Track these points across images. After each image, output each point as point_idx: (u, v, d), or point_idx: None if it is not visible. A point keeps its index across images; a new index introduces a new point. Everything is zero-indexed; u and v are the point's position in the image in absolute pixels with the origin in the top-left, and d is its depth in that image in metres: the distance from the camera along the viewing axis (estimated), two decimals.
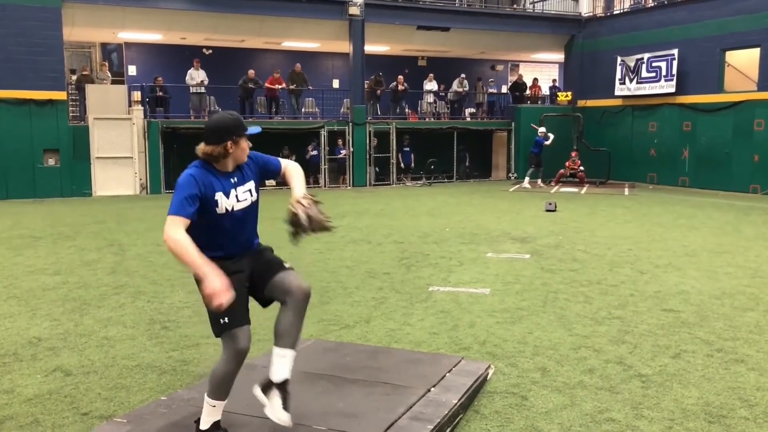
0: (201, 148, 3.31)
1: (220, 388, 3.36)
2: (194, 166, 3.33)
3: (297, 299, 3.36)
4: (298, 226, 3.32)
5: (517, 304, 6.66)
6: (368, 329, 5.86)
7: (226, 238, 3.37)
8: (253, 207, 3.47)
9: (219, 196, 3.30)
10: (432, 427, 3.62)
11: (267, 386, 3.42)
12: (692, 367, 4.89)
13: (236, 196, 3.37)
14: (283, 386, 3.38)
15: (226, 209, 3.33)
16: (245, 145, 3.37)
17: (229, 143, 3.28)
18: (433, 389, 4.16)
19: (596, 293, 7.11)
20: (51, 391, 4.44)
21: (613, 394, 4.40)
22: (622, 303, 6.71)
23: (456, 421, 3.90)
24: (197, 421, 3.43)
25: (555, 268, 8.35)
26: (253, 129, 3.43)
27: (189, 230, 3.18)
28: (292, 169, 3.60)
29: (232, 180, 3.37)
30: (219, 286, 3.07)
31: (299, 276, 3.44)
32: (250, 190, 3.43)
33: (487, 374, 4.62)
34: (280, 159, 3.66)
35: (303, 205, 3.33)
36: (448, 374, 4.42)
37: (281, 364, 3.38)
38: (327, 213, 3.39)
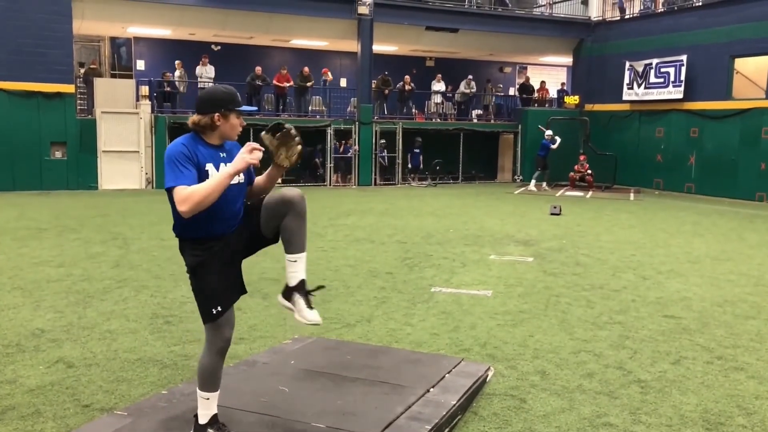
0: (191, 118, 3.29)
1: (211, 380, 3.37)
2: (183, 137, 3.29)
3: (295, 203, 3.30)
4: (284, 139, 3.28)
5: (518, 307, 6.67)
6: (369, 328, 5.88)
7: (215, 216, 3.25)
8: (242, 189, 3.39)
9: (209, 167, 3.23)
10: (430, 427, 3.64)
11: (288, 293, 3.42)
12: (692, 373, 4.90)
13: None
14: (301, 287, 3.39)
15: None
16: (236, 122, 3.30)
17: (216, 115, 3.23)
18: (432, 390, 4.17)
19: (598, 298, 7.11)
20: (53, 382, 4.48)
21: (611, 398, 4.41)
22: (624, 308, 6.71)
23: (454, 422, 3.91)
24: (196, 416, 3.45)
25: (558, 272, 8.36)
26: (248, 107, 3.42)
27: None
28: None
29: (221, 154, 3.31)
30: (247, 156, 3.12)
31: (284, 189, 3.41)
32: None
33: (487, 376, 4.64)
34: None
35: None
36: (447, 375, 4.44)
37: (295, 268, 3.39)
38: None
